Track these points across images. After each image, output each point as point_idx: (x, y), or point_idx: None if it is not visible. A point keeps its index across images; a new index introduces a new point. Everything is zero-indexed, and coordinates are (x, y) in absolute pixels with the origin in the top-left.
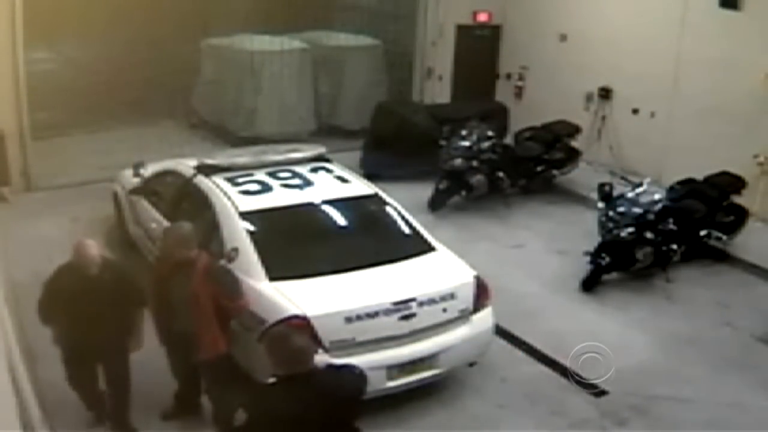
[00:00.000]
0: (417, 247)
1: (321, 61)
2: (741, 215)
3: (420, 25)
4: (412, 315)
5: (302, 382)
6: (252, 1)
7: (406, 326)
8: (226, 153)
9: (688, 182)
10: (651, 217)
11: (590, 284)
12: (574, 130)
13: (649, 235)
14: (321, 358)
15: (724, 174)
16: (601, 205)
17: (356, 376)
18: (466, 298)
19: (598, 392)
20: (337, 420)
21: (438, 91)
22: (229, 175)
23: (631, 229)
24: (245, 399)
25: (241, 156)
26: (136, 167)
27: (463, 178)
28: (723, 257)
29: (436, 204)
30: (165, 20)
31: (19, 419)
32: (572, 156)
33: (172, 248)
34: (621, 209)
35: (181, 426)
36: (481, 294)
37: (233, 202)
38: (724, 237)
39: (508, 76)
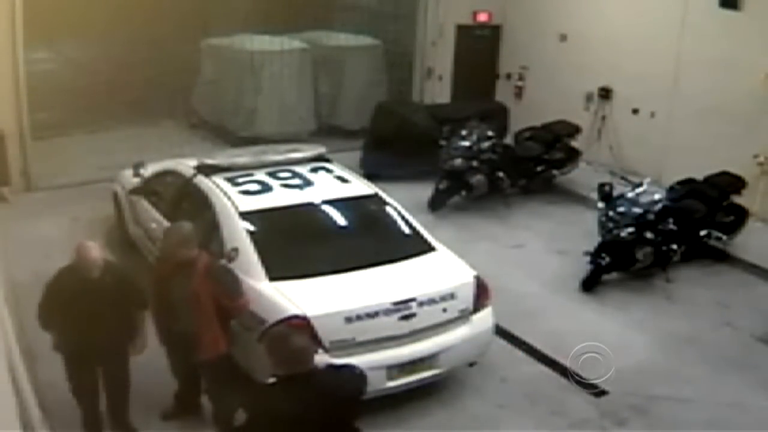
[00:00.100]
0: (417, 247)
1: (321, 61)
2: (741, 215)
3: (420, 25)
4: (412, 315)
5: (302, 382)
6: (252, 1)
7: (406, 326)
8: (226, 153)
9: (688, 182)
10: (651, 217)
11: (590, 284)
12: (574, 130)
13: (649, 235)
14: (321, 358)
15: (724, 174)
16: (601, 205)
17: (356, 376)
18: (466, 298)
19: (598, 392)
20: (337, 420)
21: (438, 91)
22: (229, 175)
23: (631, 229)
24: (245, 399)
25: (241, 156)
26: (136, 167)
27: (463, 178)
28: (723, 257)
29: (436, 204)
30: (165, 20)
31: (19, 419)
32: (572, 156)
33: (172, 248)
34: (621, 209)
35: (181, 426)
36: (481, 294)
37: (233, 202)
38: (724, 237)
39: (508, 76)
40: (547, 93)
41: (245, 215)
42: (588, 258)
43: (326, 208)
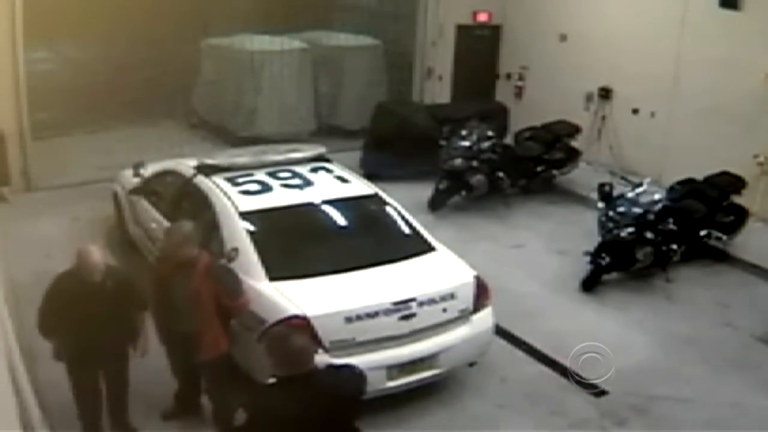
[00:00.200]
0: (417, 247)
1: (321, 61)
2: (741, 215)
3: (420, 25)
4: (412, 315)
5: (302, 383)
6: (252, 1)
7: (406, 326)
8: (226, 153)
9: (688, 182)
10: (651, 217)
11: (590, 284)
12: (574, 130)
13: (649, 235)
14: (321, 358)
15: (724, 174)
16: (601, 205)
17: (356, 376)
18: (466, 298)
19: (598, 392)
20: (337, 420)
21: (438, 91)
22: (229, 175)
23: (631, 229)
24: (245, 399)
25: (241, 156)
26: (136, 167)
27: (463, 178)
28: (723, 257)
29: (436, 204)
30: (165, 20)
31: (19, 419)
32: (572, 156)
33: (174, 247)
34: (621, 209)
35: (182, 426)
36: (481, 294)
37: (233, 202)
38: (724, 237)
39: (508, 76)
40: (547, 93)
41: (245, 215)
42: (588, 258)
43: (326, 208)
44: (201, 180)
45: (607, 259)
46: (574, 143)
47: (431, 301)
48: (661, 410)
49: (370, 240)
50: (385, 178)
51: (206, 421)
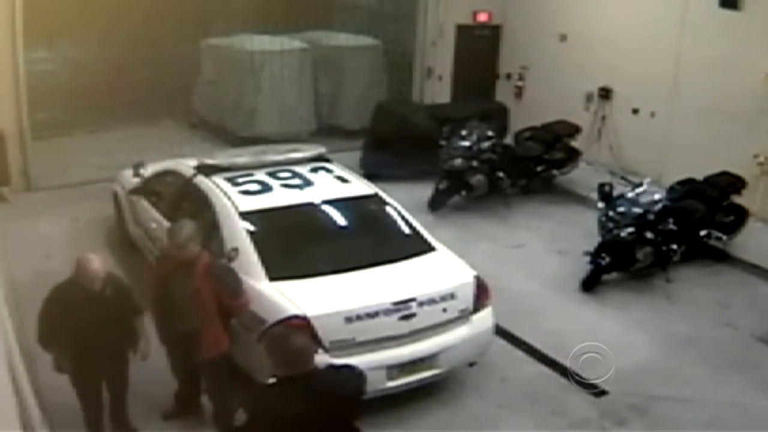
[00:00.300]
0: (417, 247)
1: (321, 61)
2: (741, 215)
3: (420, 25)
4: (412, 315)
5: (302, 383)
6: (252, 1)
7: (406, 326)
8: (226, 153)
9: (688, 182)
10: (651, 217)
11: (590, 284)
12: (574, 130)
13: (649, 235)
14: (321, 358)
15: (724, 174)
16: (601, 205)
17: (356, 376)
18: (466, 298)
19: (598, 392)
20: (337, 420)
21: (438, 91)
22: (229, 175)
23: (631, 229)
24: (245, 399)
25: (241, 156)
26: (136, 167)
27: (463, 178)
28: (723, 257)
29: (436, 204)
30: (165, 20)
31: (19, 419)
32: (572, 156)
33: (176, 246)
34: (621, 209)
35: (182, 426)
36: (481, 294)
37: (233, 202)
38: (724, 237)
39: (508, 76)
40: (547, 93)
41: (245, 215)
42: (588, 258)
43: (326, 208)
44: (201, 180)
45: (607, 259)
46: (574, 143)
47: (431, 301)
48: (661, 410)
49: (370, 240)
50: (385, 178)
51: (206, 421)
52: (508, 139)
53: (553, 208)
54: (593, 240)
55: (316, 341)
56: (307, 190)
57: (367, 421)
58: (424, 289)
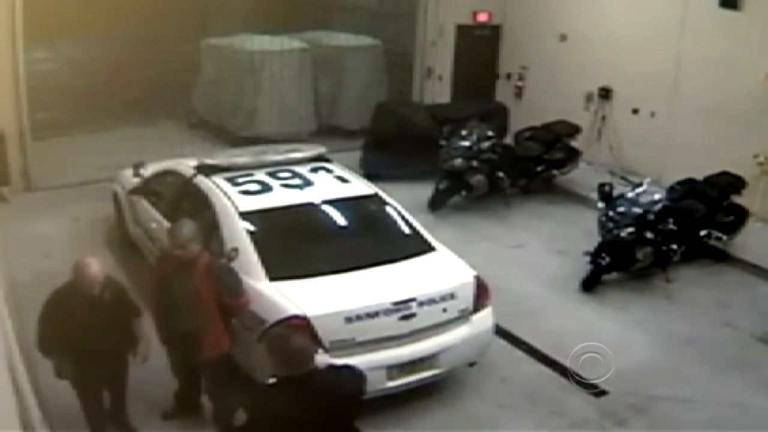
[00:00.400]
0: (417, 247)
1: (321, 61)
2: (741, 215)
3: (420, 25)
4: (412, 315)
5: (302, 383)
6: (252, 1)
7: (406, 326)
8: (226, 153)
9: (688, 182)
10: (651, 217)
11: (590, 284)
12: (574, 130)
13: (649, 235)
14: (321, 358)
15: (724, 174)
16: (601, 205)
17: (356, 376)
18: (466, 298)
19: (598, 392)
20: (337, 420)
21: (438, 91)
22: (229, 175)
23: (631, 229)
24: (245, 399)
25: (241, 156)
26: (136, 167)
27: (463, 178)
28: (723, 257)
29: (436, 204)
30: (165, 20)
31: (19, 419)
32: (572, 156)
33: (178, 246)
34: (621, 209)
35: (182, 426)
36: (481, 294)
37: (233, 202)
38: (724, 237)
39: (508, 76)
40: (547, 93)
41: (245, 215)
42: (588, 258)
43: (326, 208)
44: (201, 180)
45: (607, 259)
46: (574, 143)
47: (431, 301)
48: (661, 410)
49: (370, 240)
50: (385, 178)
51: (206, 421)
52: (508, 139)
53: (553, 208)
54: (593, 240)
55: (316, 341)
56: (307, 190)
57: (367, 421)
58: (424, 289)
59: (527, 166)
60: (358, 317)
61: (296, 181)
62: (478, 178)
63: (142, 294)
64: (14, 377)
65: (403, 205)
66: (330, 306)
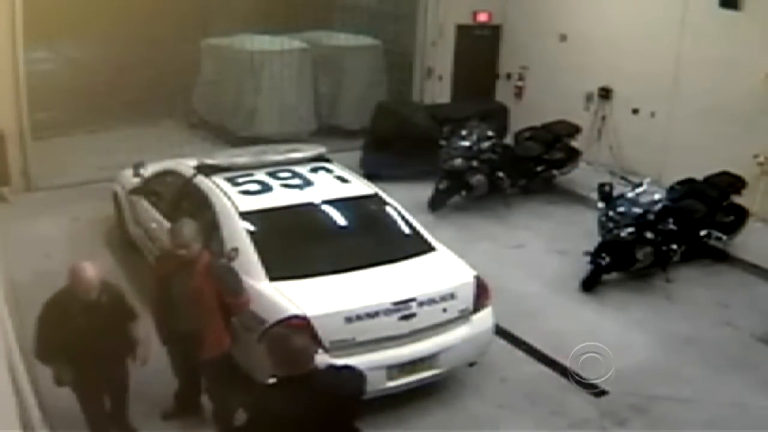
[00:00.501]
0: (417, 247)
1: (321, 61)
2: (741, 215)
3: (420, 25)
4: (412, 315)
5: (302, 383)
6: (252, 1)
7: (406, 326)
8: (226, 153)
9: (688, 182)
10: (651, 217)
11: (590, 284)
12: (574, 130)
13: (649, 235)
14: (321, 358)
15: (724, 174)
16: (601, 205)
17: (356, 376)
18: (466, 298)
19: (598, 392)
20: (337, 420)
21: (438, 91)
22: (229, 175)
23: (631, 229)
24: (245, 399)
25: (241, 156)
26: (136, 167)
27: (463, 178)
28: (723, 257)
29: (436, 204)
30: (165, 20)
31: (19, 419)
32: (572, 156)
33: (180, 246)
34: (621, 209)
35: (182, 426)
36: (481, 294)
37: (233, 202)
38: (724, 237)
39: (508, 76)
40: (547, 93)
41: (245, 215)
42: (588, 258)
43: (326, 208)
44: (201, 180)
45: (607, 259)
46: (574, 143)
47: (431, 301)
48: (661, 410)
49: (370, 240)
50: (385, 178)
51: (206, 421)
52: (508, 139)
53: (553, 208)
54: (593, 240)
55: (316, 341)
56: (307, 190)
57: (367, 421)
58: (424, 289)
59: (527, 166)
60: (358, 317)
61: (296, 181)
62: (478, 178)
63: (142, 294)
64: (14, 377)
65: (403, 205)
66: (330, 306)
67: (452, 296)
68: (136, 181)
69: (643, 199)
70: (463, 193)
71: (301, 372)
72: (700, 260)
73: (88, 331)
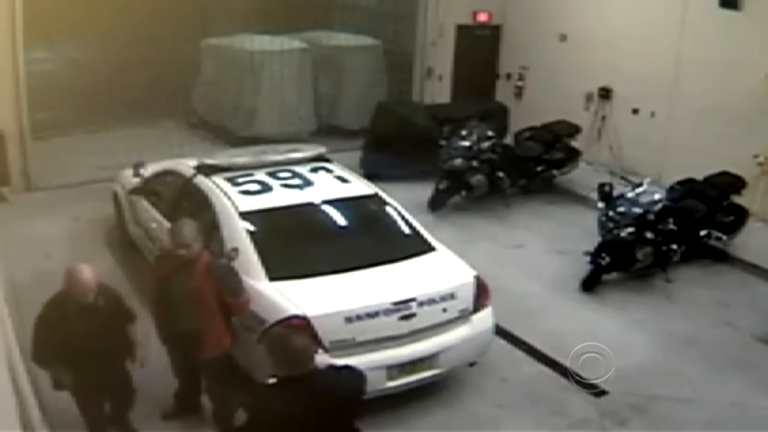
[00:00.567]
0: (417, 247)
1: (321, 61)
2: (741, 215)
3: (420, 25)
4: (412, 315)
5: (302, 383)
6: (252, 1)
7: (406, 326)
8: (226, 153)
9: (688, 182)
10: (651, 217)
11: (590, 284)
12: (574, 130)
13: (649, 235)
14: (321, 358)
15: (724, 174)
16: (601, 205)
17: (356, 376)
18: (466, 298)
19: (598, 392)
20: (337, 420)
21: (438, 91)
22: (229, 175)
23: (631, 229)
24: (246, 399)
25: (241, 156)
26: (136, 167)
27: (463, 178)
28: (723, 257)
29: (436, 204)
30: (165, 20)
31: (19, 419)
32: (572, 156)
33: (182, 245)
34: (621, 209)
35: (182, 426)
36: (481, 294)
37: (233, 202)
38: (724, 237)
39: (508, 76)
40: (547, 93)
41: (245, 215)
42: (588, 258)
43: (326, 208)
44: (201, 180)
45: (607, 259)
46: (574, 143)
47: (431, 301)
48: (661, 410)
49: (370, 240)
50: (385, 178)
51: (206, 421)
52: (508, 139)
53: (553, 208)
54: (593, 240)
55: (316, 341)
56: (307, 190)
57: (367, 421)
58: (424, 289)
59: (527, 166)
60: (358, 317)
61: (296, 181)
62: (478, 178)
63: (143, 294)
64: (14, 377)
65: (403, 205)
66: (330, 306)
67: (452, 296)
68: (136, 181)
69: (643, 199)
70: (463, 193)
71: (301, 372)
72: (700, 260)
73: (86, 334)
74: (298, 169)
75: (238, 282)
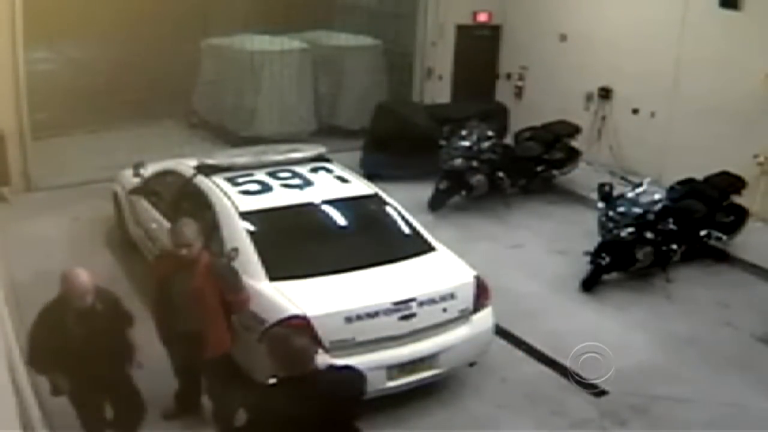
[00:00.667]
0: (417, 247)
1: (321, 61)
2: (741, 215)
3: (420, 25)
4: (412, 315)
5: (303, 383)
6: (252, 1)
7: (406, 326)
8: (226, 153)
9: (688, 182)
10: (651, 217)
11: (590, 284)
12: (574, 130)
13: (649, 235)
14: (321, 358)
15: (724, 174)
16: (601, 205)
17: (356, 376)
18: (466, 298)
19: (598, 392)
20: (337, 420)
21: (438, 91)
22: (229, 175)
23: (631, 229)
24: (246, 399)
25: (241, 156)
26: (136, 167)
27: (463, 178)
28: (723, 257)
29: (436, 204)
30: (165, 20)
31: (19, 419)
32: (572, 156)
33: (183, 245)
34: (621, 209)
35: (182, 426)
36: (481, 294)
37: (233, 202)
38: (724, 237)
39: (508, 76)
40: (547, 93)
41: (245, 215)
42: (588, 258)
43: (326, 208)
44: (201, 180)
45: (607, 259)
46: (574, 143)
47: (431, 301)
48: (661, 410)
49: (370, 240)
50: (385, 178)
51: (207, 421)
52: (508, 139)
53: (553, 208)
54: (593, 240)
55: (317, 341)
56: (307, 190)
57: (367, 421)
58: (424, 289)
59: (527, 166)
60: (358, 317)
61: (296, 181)
62: (478, 178)
63: (143, 294)
64: (14, 377)
65: (403, 205)
66: (330, 306)
67: (452, 296)
68: (136, 181)
69: (643, 199)
70: (463, 193)
71: (302, 372)
72: (700, 260)
73: (85, 338)
74: (298, 169)
75: (238, 279)
